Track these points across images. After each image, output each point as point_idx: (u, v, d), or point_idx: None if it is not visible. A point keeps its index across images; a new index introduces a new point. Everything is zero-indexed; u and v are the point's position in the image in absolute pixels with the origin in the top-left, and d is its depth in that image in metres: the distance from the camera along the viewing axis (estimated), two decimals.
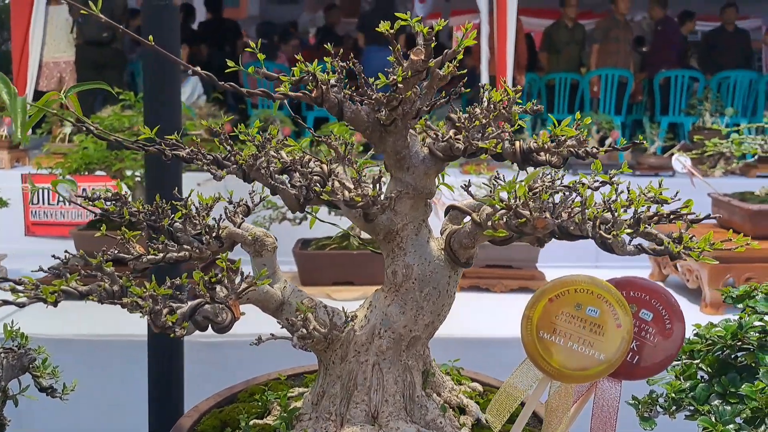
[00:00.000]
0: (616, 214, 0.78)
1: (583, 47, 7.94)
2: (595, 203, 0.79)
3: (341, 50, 0.89)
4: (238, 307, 0.90)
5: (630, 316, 0.78)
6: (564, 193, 0.82)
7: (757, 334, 1.12)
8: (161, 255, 1.01)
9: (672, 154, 3.27)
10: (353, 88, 0.91)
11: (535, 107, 0.95)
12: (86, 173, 3.35)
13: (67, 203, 4.64)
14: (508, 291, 3.19)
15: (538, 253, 3.22)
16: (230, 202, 1.09)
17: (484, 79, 6.45)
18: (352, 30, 9.67)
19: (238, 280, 0.89)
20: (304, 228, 3.31)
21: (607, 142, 6.29)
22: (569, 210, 0.81)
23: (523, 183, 0.79)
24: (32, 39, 6.38)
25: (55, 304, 0.82)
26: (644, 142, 0.90)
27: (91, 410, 2.53)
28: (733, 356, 1.18)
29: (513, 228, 0.81)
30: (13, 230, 4.64)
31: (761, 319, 1.14)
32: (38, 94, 7.16)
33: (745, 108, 7.29)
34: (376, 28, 0.85)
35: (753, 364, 1.14)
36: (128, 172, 3.32)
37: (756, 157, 3.09)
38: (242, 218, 1.09)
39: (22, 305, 0.81)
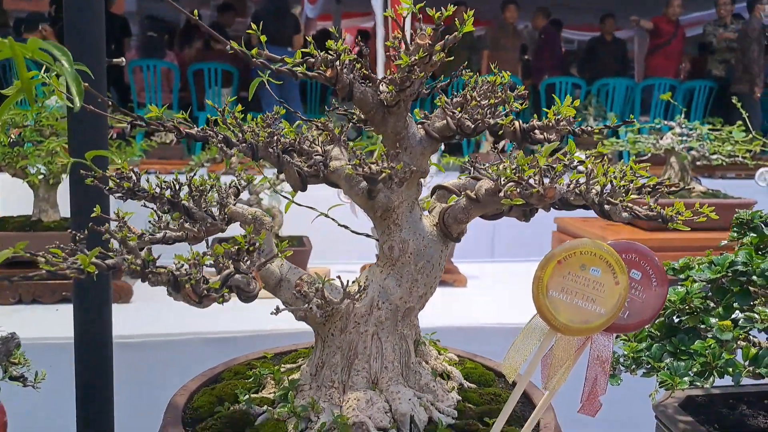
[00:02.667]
0: (614, 184, 0.88)
1: (474, 51, 8.26)
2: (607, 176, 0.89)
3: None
4: (259, 278, 0.92)
5: (626, 275, 0.89)
6: (565, 167, 0.92)
7: (700, 300, 1.28)
8: (161, 234, 1.02)
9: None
10: (363, 70, 0.97)
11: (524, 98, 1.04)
12: None
13: None
14: None
15: (454, 248, 3.36)
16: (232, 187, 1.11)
17: None
18: (242, 30, 9.54)
19: (256, 254, 0.92)
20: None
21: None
22: (571, 182, 0.90)
23: (541, 154, 0.88)
24: None
25: (88, 274, 0.82)
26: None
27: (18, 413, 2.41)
28: (677, 321, 1.33)
29: (525, 197, 0.89)
30: None
31: (703, 286, 1.29)
32: None
33: (623, 113, 7.86)
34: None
35: (695, 327, 1.29)
36: (32, 170, 3.16)
37: (648, 155, 3.38)
38: (234, 200, 1.12)
39: (58, 272, 0.80)
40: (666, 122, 3.41)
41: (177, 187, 0.97)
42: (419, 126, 1.06)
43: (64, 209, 2.82)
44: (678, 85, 8.19)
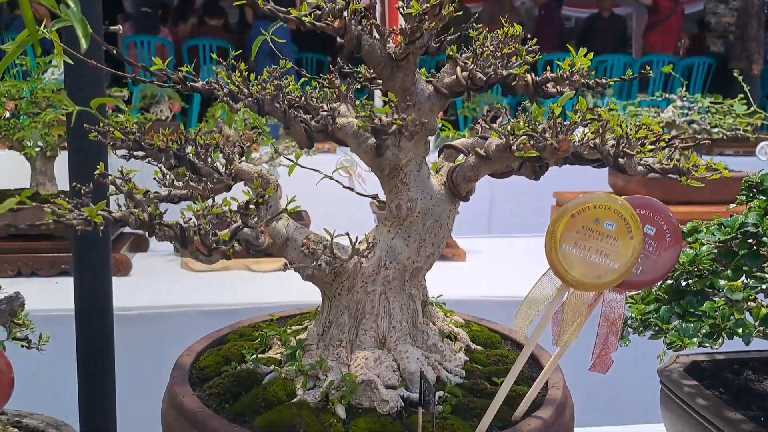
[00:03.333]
0: (630, 136, 0.87)
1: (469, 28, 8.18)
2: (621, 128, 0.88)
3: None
4: (267, 233, 0.91)
5: (641, 229, 0.87)
6: (581, 120, 0.90)
7: (709, 262, 1.27)
8: (166, 192, 1.00)
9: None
10: (369, 22, 0.95)
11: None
12: None
13: None
14: None
15: (453, 222, 3.35)
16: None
17: None
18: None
19: (264, 209, 0.91)
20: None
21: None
22: (584, 135, 0.89)
23: (557, 104, 0.86)
24: None
25: (96, 225, 0.80)
26: None
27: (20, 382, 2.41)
28: (684, 284, 1.32)
29: (538, 150, 0.88)
30: None
31: (712, 248, 1.28)
32: None
33: (621, 90, 7.82)
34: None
35: (703, 290, 1.28)
36: (29, 143, 3.13)
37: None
38: (239, 159, 1.10)
39: (72, 227, 0.78)
40: (667, 95, 3.39)
41: (183, 140, 0.96)
42: (428, 83, 1.04)
43: (62, 182, 2.79)
44: (677, 62, 8.15)
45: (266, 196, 0.90)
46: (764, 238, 1.20)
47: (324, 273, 1.01)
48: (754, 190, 1.35)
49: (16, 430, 1.11)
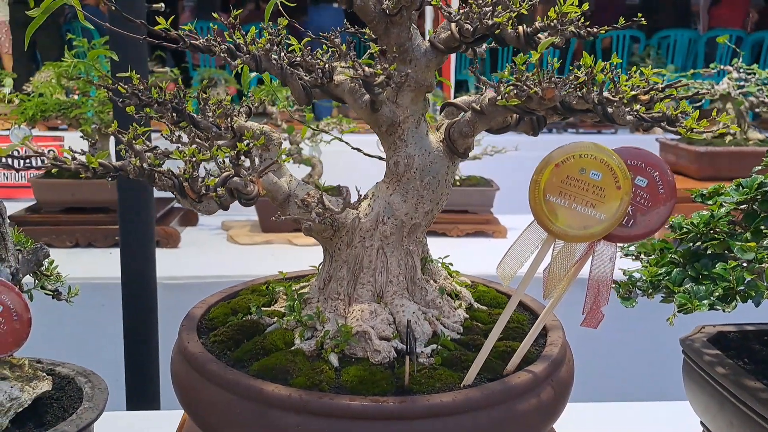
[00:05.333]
0: (618, 82, 0.85)
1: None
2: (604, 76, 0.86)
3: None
4: (260, 183, 0.94)
5: (629, 180, 0.86)
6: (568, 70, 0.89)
7: (726, 224, 1.23)
8: (174, 147, 1.04)
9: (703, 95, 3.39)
10: None
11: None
12: (43, 120, 3.27)
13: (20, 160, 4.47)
14: (464, 235, 3.27)
15: (494, 198, 3.33)
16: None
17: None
18: None
19: (257, 160, 0.94)
20: None
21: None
22: (573, 84, 0.88)
23: (538, 51, 0.85)
24: None
25: (94, 173, 0.85)
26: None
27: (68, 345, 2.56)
28: (703, 247, 1.29)
29: (522, 98, 0.88)
30: None
31: (730, 211, 1.24)
32: None
33: (685, 67, 7.55)
34: None
35: (721, 253, 1.25)
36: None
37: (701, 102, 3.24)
38: (246, 118, 1.13)
39: (68, 170, 0.83)
40: (722, 66, 3.26)
41: (182, 95, 0.99)
42: (424, 39, 1.04)
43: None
44: (745, 37, 7.79)
45: (253, 145, 0.92)
46: None
47: (321, 226, 1.03)
48: None
49: (44, 374, 1.18)
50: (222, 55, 0.96)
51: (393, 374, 0.97)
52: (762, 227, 1.20)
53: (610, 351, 2.60)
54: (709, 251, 1.26)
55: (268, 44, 0.95)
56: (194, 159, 0.87)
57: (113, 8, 0.97)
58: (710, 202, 1.29)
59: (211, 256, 3.06)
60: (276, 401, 0.89)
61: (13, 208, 3.38)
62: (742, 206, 1.25)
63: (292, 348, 1.03)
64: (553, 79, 0.86)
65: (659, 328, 1.53)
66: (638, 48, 7.98)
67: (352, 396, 0.90)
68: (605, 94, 0.86)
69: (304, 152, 3.30)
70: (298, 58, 1.03)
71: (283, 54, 1.00)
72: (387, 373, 0.97)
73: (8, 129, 3.35)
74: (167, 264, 2.87)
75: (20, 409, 1.10)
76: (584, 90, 0.87)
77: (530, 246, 0.93)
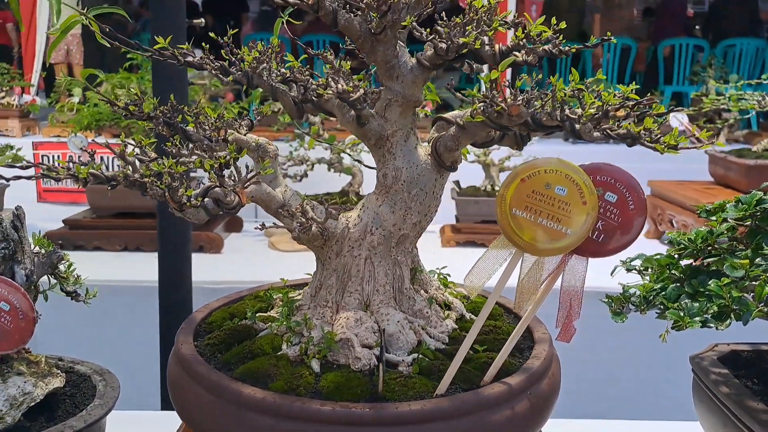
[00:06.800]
0: (583, 101, 0.86)
1: (584, 16, 7.96)
2: (566, 93, 0.88)
3: None
4: (244, 194, 0.99)
5: (595, 195, 0.87)
6: (536, 89, 0.91)
7: (727, 241, 1.21)
8: (174, 159, 1.10)
9: (670, 112, 3.34)
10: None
11: (515, 20, 1.02)
12: (97, 129, 3.44)
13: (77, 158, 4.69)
14: None
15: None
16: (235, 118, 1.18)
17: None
18: None
19: (243, 172, 0.98)
20: (305, 185, 3.42)
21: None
22: (542, 102, 0.89)
23: (498, 69, 0.87)
24: (39, 13, 6.46)
25: (85, 183, 0.91)
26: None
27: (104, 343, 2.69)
28: (704, 264, 1.27)
29: (489, 117, 0.90)
30: (25, 197, 4.74)
31: (731, 227, 1.22)
32: (47, 67, 7.27)
33: (751, 76, 7.30)
34: None
35: (719, 269, 1.23)
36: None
37: (753, 113, 3.14)
38: (246, 130, 1.18)
39: (58, 179, 0.90)
40: None
41: (173, 108, 1.05)
42: (411, 56, 1.07)
43: None
44: None
45: (232, 160, 0.97)
46: None
47: (307, 235, 1.07)
48: None
49: (58, 371, 1.26)
50: (214, 72, 1.01)
51: (370, 381, 1.00)
52: (764, 244, 1.18)
53: (623, 367, 2.55)
54: (713, 268, 1.24)
55: (255, 62, 1.00)
56: (173, 171, 0.93)
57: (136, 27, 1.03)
58: (714, 218, 1.27)
59: (253, 262, 3.15)
60: (252, 403, 0.93)
61: (71, 212, 3.56)
62: (747, 222, 1.22)
63: (278, 353, 1.07)
64: (519, 96, 0.87)
65: (673, 345, 1.51)
66: (702, 57, 7.77)
67: (324, 401, 0.93)
68: (567, 112, 0.87)
69: (345, 161, 3.36)
70: (288, 75, 1.07)
71: (273, 71, 1.04)
72: (364, 380, 1.00)
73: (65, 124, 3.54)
74: (209, 268, 2.98)
75: (32, 404, 1.18)
76: (551, 107, 0.88)
77: (499, 259, 0.95)
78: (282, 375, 1.00)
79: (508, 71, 6.47)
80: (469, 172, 3.54)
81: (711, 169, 3.54)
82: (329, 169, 3.38)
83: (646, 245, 3.31)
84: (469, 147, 1.18)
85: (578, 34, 7.99)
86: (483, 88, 0.91)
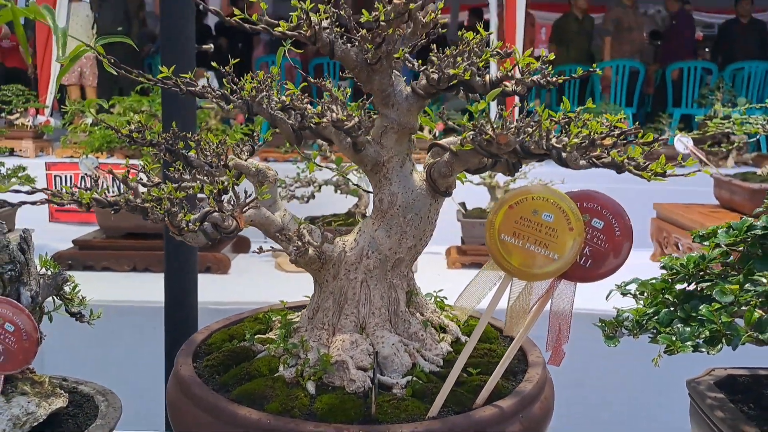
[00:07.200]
0: (569, 130, 0.89)
1: (592, 39, 8.01)
2: (552, 122, 0.91)
3: None
4: (242, 218, 1.02)
5: (581, 221, 0.89)
6: (525, 118, 0.93)
7: (720, 266, 1.23)
8: (177, 184, 1.14)
9: (674, 136, 3.37)
10: (343, 31, 1.03)
11: (507, 50, 1.06)
12: (108, 150, 3.50)
13: (89, 181, 4.76)
14: None
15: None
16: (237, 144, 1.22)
17: (493, 70, 6.58)
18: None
19: (242, 196, 1.02)
20: (312, 206, 3.46)
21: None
22: (530, 131, 0.92)
23: (486, 100, 0.90)
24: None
25: (88, 208, 0.94)
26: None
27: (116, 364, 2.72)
28: (698, 288, 1.28)
29: (479, 145, 0.92)
30: (38, 216, 4.80)
31: (725, 253, 1.24)
32: (61, 88, 7.40)
33: (760, 99, 7.31)
34: None
35: (711, 295, 1.24)
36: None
37: (758, 136, 3.15)
38: (247, 155, 1.22)
39: (62, 205, 0.93)
40: None
41: (174, 136, 1.09)
42: (406, 85, 1.10)
43: None
44: None
45: (232, 186, 1.00)
46: None
47: (304, 258, 1.10)
48: None
49: (61, 392, 1.28)
50: (215, 100, 1.05)
51: (365, 403, 1.02)
52: (755, 270, 1.19)
53: (616, 391, 2.55)
54: (706, 293, 1.26)
55: (254, 91, 1.04)
56: (172, 196, 0.96)
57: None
58: (706, 243, 1.28)
59: (259, 283, 3.18)
60: (247, 425, 0.96)
61: (82, 231, 3.61)
62: (740, 248, 1.24)
63: (275, 375, 1.09)
64: (508, 126, 0.90)
65: (670, 369, 1.52)
66: (711, 79, 7.80)
67: (318, 423, 0.95)
68: (553, 141, 0.90)
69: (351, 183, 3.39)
70: (288, 102, 1.11)
71: (272, 99, 1.08)
72: (358, 402, 1.02)
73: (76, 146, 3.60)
74: (216, 289, 3.01)
75: (35, 423, 1.20)
76: (537, 136, 0.90)
77: (488, 283, 0.97)
78: (278, 396, 1.02)
79: (516, 98, 6.52)
80: (474, 195, 3.56)
81: (716, 192, 3.54)
82: (336, 191, 3.42)
83: (651, 268, 3.32)
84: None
85: (587, 56, 8.05)
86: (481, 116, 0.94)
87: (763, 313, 1.09)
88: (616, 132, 0.91)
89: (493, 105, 6.53)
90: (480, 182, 3.40)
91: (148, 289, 3.04)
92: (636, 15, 7.97)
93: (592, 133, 0.91)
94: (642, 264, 3.43)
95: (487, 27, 6.99)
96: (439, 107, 5.90)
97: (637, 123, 1.00)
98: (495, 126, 0.91)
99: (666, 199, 3.68)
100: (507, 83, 0.99)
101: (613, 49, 7.85)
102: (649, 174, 0.93)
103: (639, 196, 4.38)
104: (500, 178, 3.45)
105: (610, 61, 7.63)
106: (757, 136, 3.24)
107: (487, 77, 0.99)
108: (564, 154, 0.90)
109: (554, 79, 0.97)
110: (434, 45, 1.05)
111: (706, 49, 9.63)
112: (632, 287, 1.36)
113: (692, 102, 7.62)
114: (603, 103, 7.22)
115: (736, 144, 5.99)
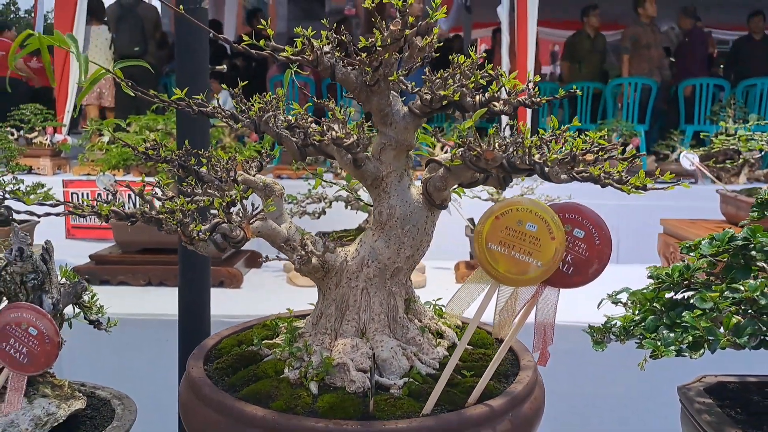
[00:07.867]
0: (550, 145, 0.96)
1: (605, 56, 8.07)
2: (538, 139, 0.98)
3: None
4: (249, 229, 1.09)
5: (562, 231, 0.96)
6: (511, 135, 1.01)
7: (704, 275, 1.28)
8: (189, 197, 1.22)
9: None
10: (344, 55, 1.11)
11: (500, 70, 1.13)
12: (125, 168, 3.60)
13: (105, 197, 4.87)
14: None
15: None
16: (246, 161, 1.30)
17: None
18: None
19: (249, 209, 1.09)
20: (323, 222, 3.54)
21: (628, 149, 6.42)
22: (516, 147, 0.99)
23: (473, 119, 0.98)
24: (73, 57, 6.73)
25: (107, 219, 1.03)
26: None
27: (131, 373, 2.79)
28: (684, 297, 1.34)
29: (468, 160, 1.00)
30: (55, 233, 4.93)
31: (711, 263, 1.29)
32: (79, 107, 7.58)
33: None
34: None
35: (695, 302, 1.30)
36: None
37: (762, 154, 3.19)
38: (256, 171, 1.30)
39: (83, 216, 1.01)
40: None
41: (186, 152, 1.17)
42: (404, 105, 1.18)
43: None
44: None
45: (240, 198, 1.08)
46: (753, 252, 1.21)
47: (308, 267, 1.17)
48: (766, 207, 1.35)
49: (80, 395, 1.36)
50: (224, 120, 1.13)
51: (363, 402, 1.08)
52: (735, 279, 1.25)
53: (614, 398, 2.59)
54: (690, 301, 1.31)
55: (261, 111, 1.12)
56: (184, 208, 1.04)
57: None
58: (692, 254, 1.34)
59: (270, 297, 3.25)
60: (253, 421, 1.03)
61: (98, 247, 3.71)
62: (724, 258, 1.30)
63: (281, 376, 1.16)
64: (490, 141, 0.97)
65: (663, 376, 1.57)
66: (723, 96, 7.83)
67: (319, 419, 1.02)
68: (536, 157, 0.97)
69: (363, 198, 3.47)
70: (293, 121, 1.19)
71: (278, 118, 1.16)
72: (357, 401, 1.08)
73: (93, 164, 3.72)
74: (229, 303, 3.08)
75: (56, 424, 1.28)
76: (521, 152, 0.98)
77: (477, 289, 1.03)
78: (282, 396, 1.09)
79: (528, 112, 6.59)
80: (482, 210, 3.63)
81: (722, 208, 3.58)
82: (346, 207, 3.50)
83: None
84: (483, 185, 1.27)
85: (600, 74, 8.12)
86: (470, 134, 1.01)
87: (741, 319, 1.15)
88: (596, 148, 0.98)
89: (505, 119, 6.61)
90: (488, 198, 3.47)
91: (163, 302, 3.13)
92: (654, 32, 8.02)
93: (573, 150, 0.98)
94: (639, 277, 3.46)
95: (499, 44, 7.09)
96: (450, 125, 5.98)
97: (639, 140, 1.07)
98: (486, 142, 0.98)
99: (674, 215, 3.72)
100: (495, 104, 1.06)
101: (631, 66, 7.90)
102: (629, 188, 1.00)
103: (647, 212, 4.42)
104: (507, 194, 3.51)
105: (622, 78, 7.69)
106: (763, 152, 3.28)
107: (477, 98, 1.07)
108: (546, 169, 0.97)
109: (539, 99, 1.04)
110: (448, 57, 1.12)
111: (721, 66, 9.65)
112: (623, 296, 1.42)
113: (705, 118, 7.65)
114: (614, 120, 7.27)
115: (746, 160, 6.01)
